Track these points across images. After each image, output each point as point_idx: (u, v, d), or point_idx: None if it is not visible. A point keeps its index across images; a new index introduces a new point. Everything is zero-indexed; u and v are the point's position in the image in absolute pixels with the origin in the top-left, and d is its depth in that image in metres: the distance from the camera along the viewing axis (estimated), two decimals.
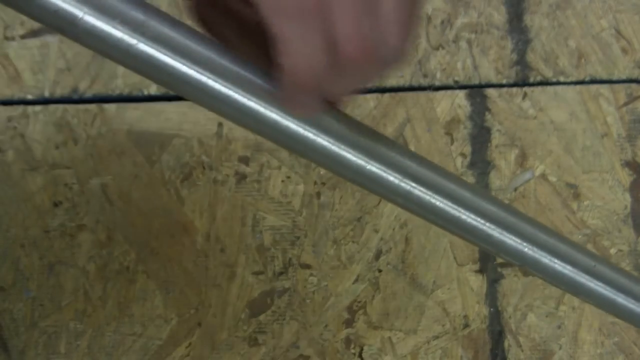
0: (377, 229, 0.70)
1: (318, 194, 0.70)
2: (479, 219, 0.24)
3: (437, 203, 0.24)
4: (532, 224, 0.26)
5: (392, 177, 0.23)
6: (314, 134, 0.24)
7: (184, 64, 0.22)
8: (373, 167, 0.23)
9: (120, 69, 0.70)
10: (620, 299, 0.26)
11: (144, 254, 0.68)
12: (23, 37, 0.70)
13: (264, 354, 0.68)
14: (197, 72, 0.22)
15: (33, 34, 0.70)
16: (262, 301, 0.68)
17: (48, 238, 0.68)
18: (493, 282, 0.70)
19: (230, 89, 0.23)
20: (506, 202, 0.71)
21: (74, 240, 0.68)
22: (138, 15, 0.21)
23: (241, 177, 0.70)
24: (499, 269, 0.70)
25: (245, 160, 0.70)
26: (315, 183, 0.70)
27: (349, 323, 0.69)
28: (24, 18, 0.69)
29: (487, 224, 0.24)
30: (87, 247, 0.68)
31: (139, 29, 0.21)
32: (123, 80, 0.70)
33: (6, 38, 0.70)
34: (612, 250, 0.71)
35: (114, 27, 0.21)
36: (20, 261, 0.68)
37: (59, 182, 0.69)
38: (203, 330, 0.68)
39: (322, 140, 0.23)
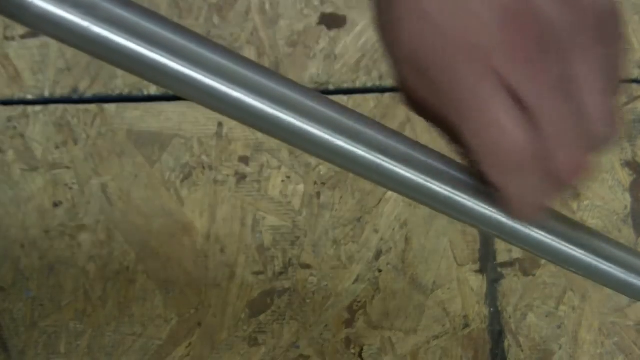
0: (377, 229, 0.70)
1: (318, 194, 0.70)
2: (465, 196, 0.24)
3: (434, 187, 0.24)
4: None
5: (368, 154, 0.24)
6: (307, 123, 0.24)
7: (141, 46, 0.22)
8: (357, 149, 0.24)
9: (120, 69, 0.70)
10: (605, 267, 0.26)
11: (144, 254, 0.68)
12: (23, 37, 0.70)
13: (264, 354, 0.68)
14: (160, 55, 0.22)
15: (33, 34, 0.70)
16: (262, 301, 0.68)
17: (48, 238, 0.68)
18: (493, 282, 0.70)
19: (186, 67, 0.22)
20: None
21: (74, 241, 0.68)
22: None
23: (241, 177, 0.70)
24: (499, 269, 0.70)
25: (245, 160, 0.70)
26: (315, 183, 0.70)
27: (349, 323, 0.69)
28: None
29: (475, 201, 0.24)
30: (87, 247, 0.68)
31: (91, 11, 0.21)
32: (123, 80, 0.71)
33: (6, 38, 0.70)
34: None
35: (64, 10, 0.21)
36: (20, 261, 0.68)
37: (59, 182, 0.69)
38: (203, 330, 0.68)
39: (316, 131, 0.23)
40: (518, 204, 0.23)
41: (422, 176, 0.24)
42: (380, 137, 0.24)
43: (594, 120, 0.21)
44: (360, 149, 0.24)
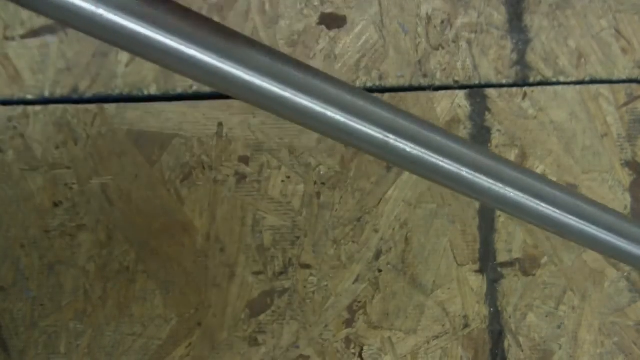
0: (377, 229, 0.70)
1: (318, 194, 0.70)
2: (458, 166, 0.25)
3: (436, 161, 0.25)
4: (517, 168, 0.26)
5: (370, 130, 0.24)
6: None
7: (152, 31, 0.22)
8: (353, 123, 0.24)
9: (120, 69, 0.70)
10: (603, 235, 0.27)
11: (144, 254, 0.68)
12: (23, 37, 0.70)
13: (264, 354, 0.68)
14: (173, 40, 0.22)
15: (33, 34, 0.70)
16: (262, 301, 0.68)
17: (48, 238, 0.68)
18: (493, 282, 0.70)
19: (198, 51, 0.23)
20: None
21: (74, 240, 0.68)
22: None
23: (241, 177, 0.70)
24: (499, 269, 0.70)
25: (245, 160, 0.70)
26: (315, 183, 0.70)
27: (349, 323, 0.69)
28: (24, 18, 0.69)
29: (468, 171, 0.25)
30: (87, 247, 0.68)
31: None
32: (123, 80, 0.70)
33: (6, 38, 0.70)
34: None
35: None
36: (20, 261, 0.68)
37: (59, 182, 0.69)
38: (203, 330, 0.68)
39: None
40: None
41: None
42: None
43: None
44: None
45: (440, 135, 0.25)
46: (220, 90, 0.25)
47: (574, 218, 0.26)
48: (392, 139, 0.24)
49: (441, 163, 0.25)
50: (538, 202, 0.26)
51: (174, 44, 0.23)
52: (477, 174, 0.25)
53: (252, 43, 0.24)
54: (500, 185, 0.25)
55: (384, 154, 0.25)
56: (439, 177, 0.26)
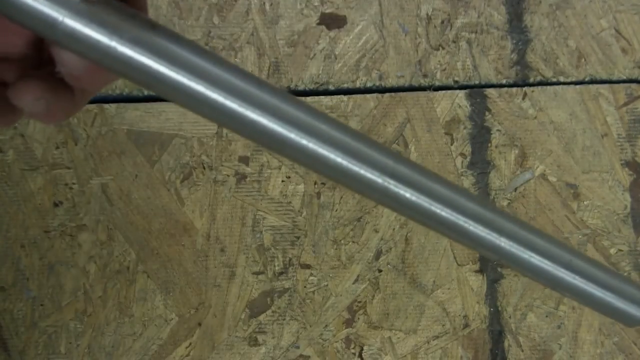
0: (377, 229, 0.70)
1: (318, 194, 0.70)
2: (456, 215, 0.25)
3: (411, 197, 0.25)
4: (508, 217, 0.26)
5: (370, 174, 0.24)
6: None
7: (164, 66, 0.22)
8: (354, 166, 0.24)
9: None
10: (597, 292, 0.27)
11: (144, 254, 0.68)
12: None
13: (264, 354, 0.68)
14: (175, 72, 0.23)
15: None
16: (262, 301, 0.68)
17: (48, 238, 0.68)
18: (493, 282, 0.70)
19: (210, 89, 0.23)
20: (506, 202, 0.71)
21: (74, 240, 0.68)
22: (112, 19, 0.22)
23: (241, 177, 0.70)
24: (499, 269, 0.70)
25: (245, 160, 0.70)
26: (315, 183, 0.70)
27: (349, 323, 0.69)
28: None
29: (464, 219, 0.25)
30: (87, 247, 0.68)
31: (117, 32, 0.22)
32: (123, 80, 0.71)
33: None
34: (612, 250, 0.71)
35: (93, 29, 0.21)
36: (20, 261, 0.68)
37: (59, 182, 0.69)
38: (203, 330, 0.68)
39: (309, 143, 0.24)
40: None
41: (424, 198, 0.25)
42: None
43: None
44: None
45: (444, 186, 0.25)
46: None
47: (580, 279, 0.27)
48: (392, 185, 0.24)
49: (441, 212, 0.25)
50: (530, 253, 0.26)
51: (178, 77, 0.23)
52: (479, 226, 0.25)
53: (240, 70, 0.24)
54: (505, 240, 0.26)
55: (384, 199, 0.25)
56: (438, 226, 0.26)
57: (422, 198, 0.25)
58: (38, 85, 0.24)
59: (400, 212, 0.25)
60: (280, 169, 0.70)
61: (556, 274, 0.26)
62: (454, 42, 0.74)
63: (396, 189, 0.24)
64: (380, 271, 0.69)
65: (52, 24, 0.21)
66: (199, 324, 0.68)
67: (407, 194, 0.24)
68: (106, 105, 0.70)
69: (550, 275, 0.26)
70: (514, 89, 0.73)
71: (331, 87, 0.72)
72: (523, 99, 0.73)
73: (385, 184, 0.24)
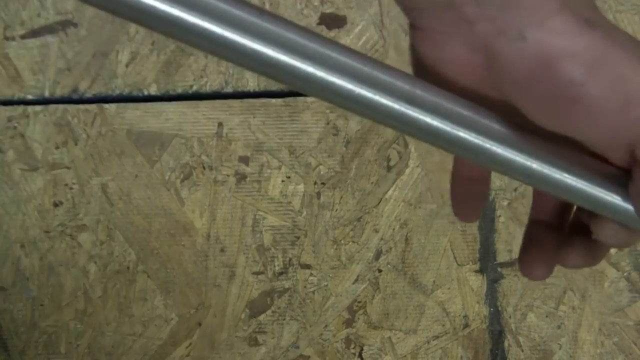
0: (377, 229, 0.70)
1: (318, 194, 0.70)
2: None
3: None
4: (537, 140, 0.24)
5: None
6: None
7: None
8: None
9: (121, 69, 0.70)
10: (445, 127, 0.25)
11: (144, 254, 0.68)
12: (23, 37, 0.70)
13: (264, 354, 0.68)
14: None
15: (33, 34, 0.70)
16: (262, 301, 0.68)
17: (48, 238, 0.68)
18: (493, 282, 0.70)
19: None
20: (506, 202, 0.71)
21: (74, 240, 0.68)
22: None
23: (241, 177, 0.70)
24: (499, 269, 0.70)
25: (245, 160, 0.70)
26: (315, 183, 0.70)
27: (349, 323, 0.69)
28: (24, 18, 0.69)
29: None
30: (87, 247, 0.68)
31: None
32: (123, 80, 0.70)
33: (6, 38, 0.70)
34: (612, 250, 0.71)
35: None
36: (20, 261, 0.68)
37: (59, 182, 0.69)
38: (203, 330, 0.68)
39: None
40: None
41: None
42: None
43: None
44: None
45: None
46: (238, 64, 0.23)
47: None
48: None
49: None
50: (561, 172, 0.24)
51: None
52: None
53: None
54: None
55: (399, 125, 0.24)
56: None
57: (445, 123, 0.23)
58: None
59: (421, 138, 0.24)
60: (280, 169, 0.70)
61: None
62: None
63: (415, 115, 0.23)
64: (380, 271, 0.69)
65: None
66: (199, 324, 0.68)
67: (428, 119, 0.23)
68: (106, 105, 0.70)
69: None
70: None
71: None
72: None
73: (403, 109, 0.23)
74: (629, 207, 0.23)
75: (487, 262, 0.70)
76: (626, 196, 0.23)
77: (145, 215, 0.69)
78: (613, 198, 0.23)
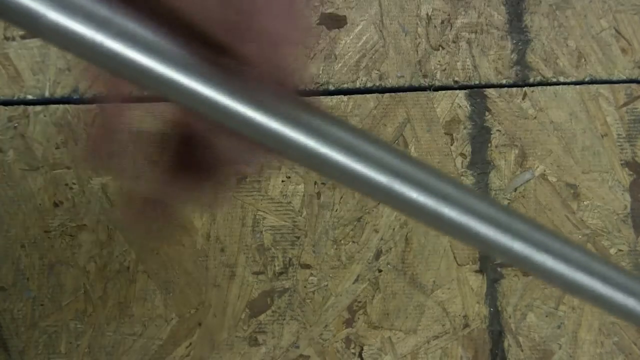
0: (377, 229, 0.70)
1: (318, 194, 0.70)
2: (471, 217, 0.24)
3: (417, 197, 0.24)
4: (522, 219, 0.25)
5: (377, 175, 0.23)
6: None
7: (154, 60, 0.22)
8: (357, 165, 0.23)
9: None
10: (617, 296, 0.26)
11: (144, 254, 0.68)
12: (23, 37, 0.70)
13: (264, 354, 0.68)
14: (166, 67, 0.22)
15: (33, 33, 0.70)
16: (262, 301, 0.69)
17: (48, 238, 0.68)
18: (493, 282, 0.70)
19: (197, 81, 0.22)
20: (506, 202, 0.71)
21: (74, 240, 0.68)
22: (102, 10, 0.21)
23: (241, 177, 0.70)
24: (499, 269, 0.70)
25: None
26: (315, 183, 0.70)
27: (349, 323, 0.69)
28: None
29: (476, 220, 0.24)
30: (88, 247, 0.68)
31: (104, 25, 0.21)
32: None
33: (6, 38, 0.70)
34: (612, 250, 0.71)
35: (78, 22, 0.21)
36: (20, 261, 0.68)
37: (59, 182, 0.69)
38: (203, 330, 0.68)
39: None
40: None
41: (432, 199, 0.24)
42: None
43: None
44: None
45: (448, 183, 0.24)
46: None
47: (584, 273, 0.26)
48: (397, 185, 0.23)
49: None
50: (545, 256, 0.25)
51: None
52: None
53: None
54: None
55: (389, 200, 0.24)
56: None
57: (430, 198, 0.24)
58: None
59: (406, 213, 0.24)
60: (280, 169, 0.70)
61: (573, 277, 0.25)
62: (454, 42, 0.74)
63: (401, 189, 0.23)
64: (380, 271, 0.69)
65: (34, 16, 0.21)
66: (199, 324, 0.68)
67: (414, 194, 0.24)
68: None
69: (566, 277, 0.25)
70: (514, 89, 0.73)
71: (331, 87, 0.72)
72: (523, 99, 0.73)
73: (390, 183, 0.23)
74: None
75: (487, 262, 0.70)
76: None
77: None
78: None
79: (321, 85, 0.72)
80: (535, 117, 0.72)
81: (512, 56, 0.74)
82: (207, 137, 0.25)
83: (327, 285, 0.69)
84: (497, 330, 0.69)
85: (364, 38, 0.72)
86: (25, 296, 0.67)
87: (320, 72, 0.72)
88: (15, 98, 0.70)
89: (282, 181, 0.70)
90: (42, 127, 0.69)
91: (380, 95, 0.72)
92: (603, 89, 0.73)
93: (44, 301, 0.67)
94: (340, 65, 0.72)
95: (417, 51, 0.73)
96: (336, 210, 0.70)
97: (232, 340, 0.68)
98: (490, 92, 0.73)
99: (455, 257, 0.70)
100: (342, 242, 0.69)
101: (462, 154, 0.72)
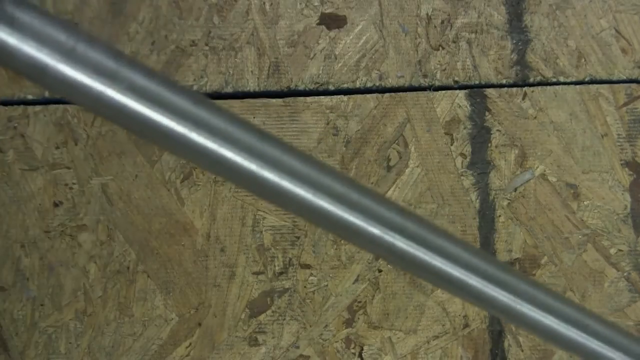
0: None
1: None
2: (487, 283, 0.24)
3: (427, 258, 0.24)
4: (524, 279, 0.25)
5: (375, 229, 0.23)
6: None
7: (161, 115, 0.21)
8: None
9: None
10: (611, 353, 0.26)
11: (144, 254, 0.68)
12: None
13: (264, 354, 0.68)
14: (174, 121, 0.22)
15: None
16: (262, 301, 0.68)
17: (48, 238, 0.68)
18: None
19: (207, 138, 0.22)
20: (506, 202, 0.71)
21: (74, 240, 0.68)
22: (110, 64, 0.21)
23: None
24: None
25: None
26: None
27: (349, 323, 0.69)
28: None
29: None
30: (87, 247, 0.68)
31: (112, 79, 0.21)
32: None
33: None
34: (612, 250, 0.71)
35: (86, 75, 0.20)
36: (20, 261, 0.68)
37: (59, 182, 0.69)
38: (203, 330, 0.68)
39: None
40: None
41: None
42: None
43: None
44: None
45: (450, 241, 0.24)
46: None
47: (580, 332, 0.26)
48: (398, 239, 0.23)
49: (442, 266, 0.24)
50: (550, 317, 0.25)
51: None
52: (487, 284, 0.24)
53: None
54: (519, 301, 0.25)
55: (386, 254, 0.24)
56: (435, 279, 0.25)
57: (435, 257, 0.23)
58: None
59: (408, 269, 0.24)
60: None
61: (573, 337, 0.25)
62: (454, 42, 0.74)
63: (402, 245, 0.23)
64: (380, 271, 0.69)
65: (42, 69, 0.21)
66: (199, 324, 0.68)
67: (418, 252, 0.23)
68: None
69: (566, 337, 0.25)
70: (514, 89, 0.73)
71: (331, 87, 0.72)
72: (523, 99, 0.73)
73: (392, 240, 0.23)
74: None
75: None
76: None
77: (145, 215, 0.69)
78: None
79: (321, 85, 0.72)
80: (535, 117, 0.73)
81: (512, 56, 0.74)
82: None
83: (327, 285, 0.69)
84: (497, 330, 0.69)
85: (364, 38, 0.72)
86: (25, 296, 0.67)
87: (320, 72, 0.72)
88: (15, 98, 0.70)
89: None
90: (41, 127, 0.69)
91: (380, 95, 0.72)
92: (603, 89, 0.73)
93: (44, 301, 0.67)
94: (340, 65, 0.72)
95: (417, 51, 0.73)
96: None
97: (232, 340, 0.68)
98: (490, 92, 0.73)
99: None
100: (342, 242, 0.69)
101: (462, 154, 0.72)
